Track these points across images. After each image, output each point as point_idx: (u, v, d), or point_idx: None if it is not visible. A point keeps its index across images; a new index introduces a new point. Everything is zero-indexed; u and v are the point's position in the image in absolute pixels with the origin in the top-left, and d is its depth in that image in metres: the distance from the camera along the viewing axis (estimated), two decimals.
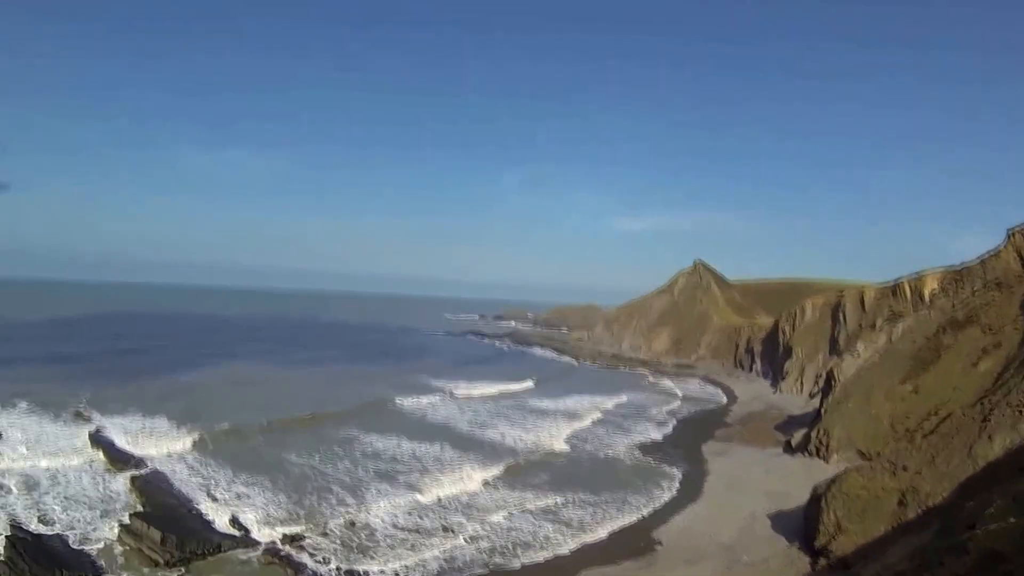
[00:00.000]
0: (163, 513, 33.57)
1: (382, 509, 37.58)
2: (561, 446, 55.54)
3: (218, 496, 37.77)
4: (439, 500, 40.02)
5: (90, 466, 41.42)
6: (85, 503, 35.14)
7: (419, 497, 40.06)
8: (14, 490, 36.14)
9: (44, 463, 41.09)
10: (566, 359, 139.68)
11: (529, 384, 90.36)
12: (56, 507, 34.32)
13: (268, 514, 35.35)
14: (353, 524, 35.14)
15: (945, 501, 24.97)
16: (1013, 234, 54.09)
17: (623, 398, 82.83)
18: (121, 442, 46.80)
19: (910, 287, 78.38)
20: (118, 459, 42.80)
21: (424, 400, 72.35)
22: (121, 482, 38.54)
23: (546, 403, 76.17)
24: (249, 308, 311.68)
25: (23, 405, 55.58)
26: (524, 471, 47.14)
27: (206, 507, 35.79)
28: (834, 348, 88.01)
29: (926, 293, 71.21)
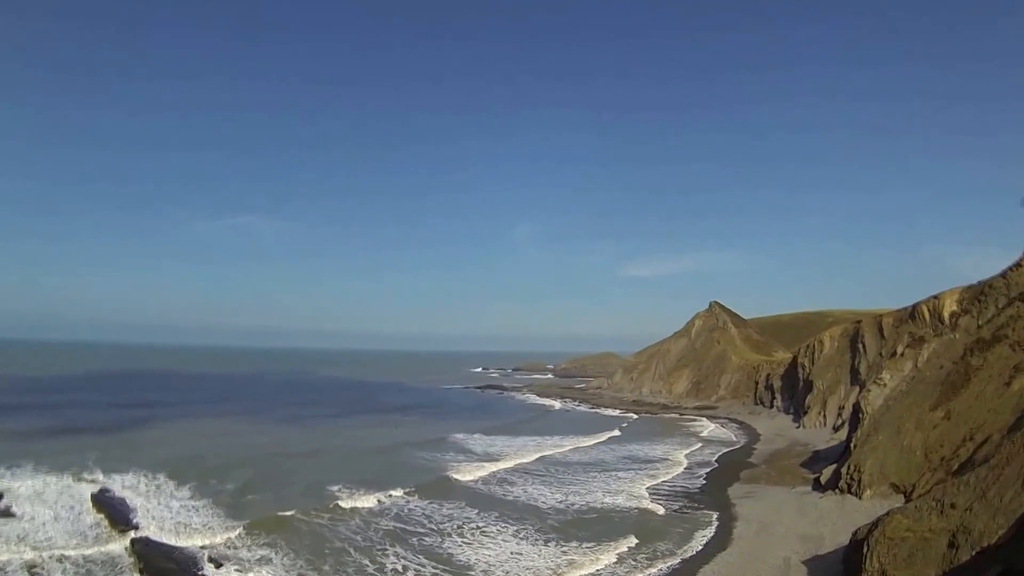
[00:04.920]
0: None
1: None
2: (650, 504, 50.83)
3: (223, 561, 35.88)
4: None
5: (91, 528, 39.61)
6: (82, 567, 33.40)
7: None
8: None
9: (43, 524, 39.63)
10: (587, 409, 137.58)
11: (584, 442, 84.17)
12: (52, 570, 32.65)
13: None
14: None
15: (1002, 540, 22.85)
16: None
17: (662, 447, 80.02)
18: (124, 503, 45.29)
19: (928, 309, 76.21)
20: (119, 520, 41.14)
21: (484, 471, 63.11)
22: (121, 544, 36.74)
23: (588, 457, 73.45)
24: (265, 367, 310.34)
25: (29, 466, 54.24)
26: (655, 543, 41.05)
27: (210, 572, 33.99)
28: (855, 379, 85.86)
29: (945, 314, 69.15)
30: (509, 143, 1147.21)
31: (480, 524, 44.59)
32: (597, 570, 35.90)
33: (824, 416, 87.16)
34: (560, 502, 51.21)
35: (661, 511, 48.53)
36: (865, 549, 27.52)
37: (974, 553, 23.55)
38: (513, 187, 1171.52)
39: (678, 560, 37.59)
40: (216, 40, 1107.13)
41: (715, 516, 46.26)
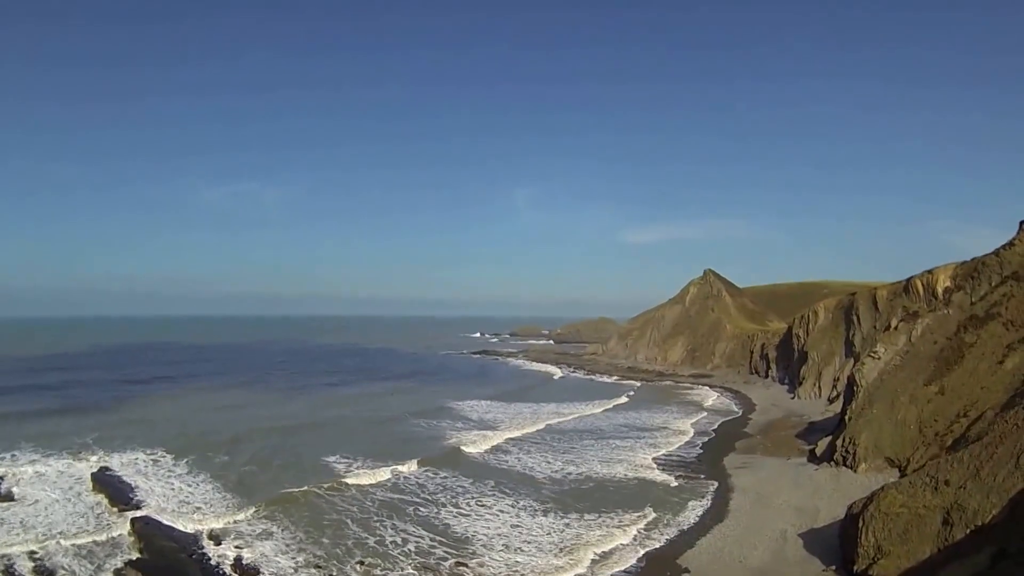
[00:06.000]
0: (161, 559, 32.16)
1: None
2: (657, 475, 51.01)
3: (223, 537, 36.18)
4: None
5: (91, 509, 39.85)
6: (82, 548, 33.61)
7: None
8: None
9: (45, 507, 39.86)
10: (583, 375, 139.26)
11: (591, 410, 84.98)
12: (53, 553, 32.85)
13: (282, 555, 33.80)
14: None
15: (996, 519, 23.18)
16: None
17: (667, 416, 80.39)
18: (124, 482, 45.58)
19: (922, 284, 76.51)
20: (119, 499, 41.42)
21: (490, 441, 62.66)
22: (122, 524, 36.82)
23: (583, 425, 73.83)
24: (263, 337, 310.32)
25: (29, 447, 54.34)
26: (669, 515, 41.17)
27: (209, 550, 34.29)
28: (849, 350, 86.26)
29: (939, 290, 69.43)
30: (508, 110, 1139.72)
31: (485, 497, 44.93)
32: (605, 550, 36.19)
33: (819, 387, 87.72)
34: (562, 472, 51.69)
35: (667, 482, 48.98)
36: (860, 524, 27.90)
37: (968, 532, 23.90)
38: (512, 152, 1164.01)
39: (675, 531, 38.09)
40: (215, 15, 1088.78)
41: (712, 487, 46.77)
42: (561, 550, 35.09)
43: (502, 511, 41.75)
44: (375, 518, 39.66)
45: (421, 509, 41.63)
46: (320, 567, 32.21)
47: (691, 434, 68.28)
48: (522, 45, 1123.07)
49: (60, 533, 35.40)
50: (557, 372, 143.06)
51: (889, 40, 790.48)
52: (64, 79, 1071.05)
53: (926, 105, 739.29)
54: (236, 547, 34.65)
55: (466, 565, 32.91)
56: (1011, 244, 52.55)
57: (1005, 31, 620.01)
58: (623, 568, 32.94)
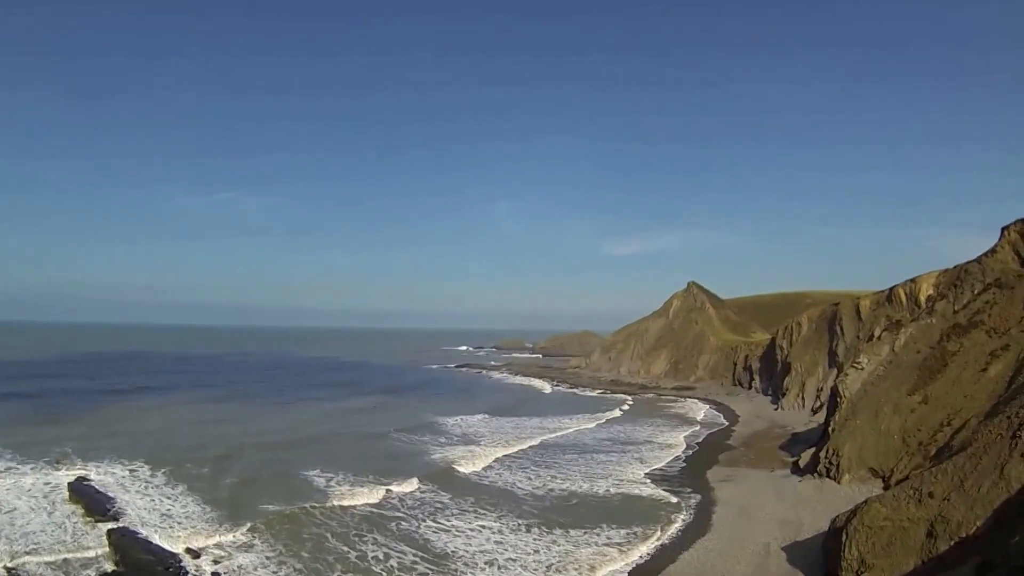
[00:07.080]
0: (137, 572, 31.55)
1: None
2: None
3: (201, 551, 35.51)
4: None
5: (68, 519, 39.07)
6: (59, 559, 32.94)
7: None
8: None
9: (21, 515, 39.34)
10: (566, 389, 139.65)
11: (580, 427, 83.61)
12: (27, 562, 32.32)
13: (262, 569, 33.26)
14: None
15: (979, 531, 23.16)
16: (1008, 231, 52.74)
17: (657, 430, 79.97)
18: (101, 493, 44.66)
19: (905, 293, 77.27)
20: (95, 510, 40.55)
21: (484, 460, 60.72)
22: (97, 536, 36.12)
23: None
24: (243, 348, 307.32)
25: (7, 455, 53.58)
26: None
27: (187, 563, 33.62)
28: (833, 361, 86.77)
29: (922, 298, 70.09)
30: (492, 121, 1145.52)
31: (467, 514, 44.19)
32: (591, 565, 35.81)
33: (803, 398, 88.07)
34: (545, 488, 51.10)
35: (652, 496, 48.66)
36: (844, 537, 27.77)
37: (952, 544, 23.85)
38: (494, 163, 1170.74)
39: (658, 546, 37.84)
40: (204, 18, 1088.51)
41: (695, 500, 46.59)
42: (548, 568, 34.64)
43: (485, 527, 41.15)
44: (354, 534, 39.05)
45: (403, 524, 41.11)
46: None
47: (675, 448, 68.06)
48: (500, 55, 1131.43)
49: (35, 543, 34.74)
50: (543, 387, 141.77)
51: (869, 43, 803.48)
52: (39, 74, 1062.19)
53: (907, 109, 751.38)
54: (214, 561, 34.05)
55: None
56: (993, 251, 53.00)
57: (999, 27, 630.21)
58: None
